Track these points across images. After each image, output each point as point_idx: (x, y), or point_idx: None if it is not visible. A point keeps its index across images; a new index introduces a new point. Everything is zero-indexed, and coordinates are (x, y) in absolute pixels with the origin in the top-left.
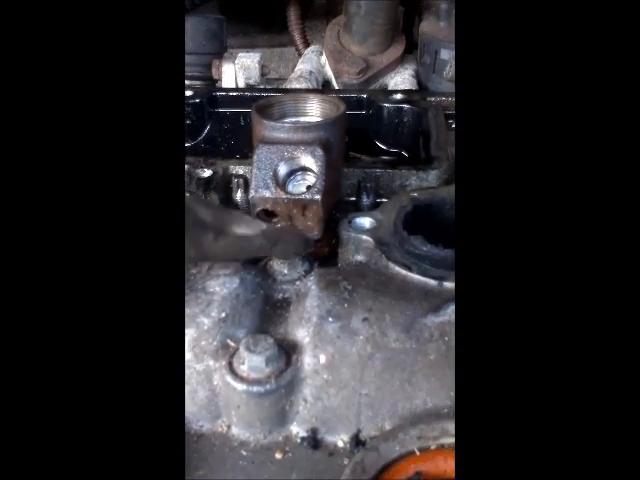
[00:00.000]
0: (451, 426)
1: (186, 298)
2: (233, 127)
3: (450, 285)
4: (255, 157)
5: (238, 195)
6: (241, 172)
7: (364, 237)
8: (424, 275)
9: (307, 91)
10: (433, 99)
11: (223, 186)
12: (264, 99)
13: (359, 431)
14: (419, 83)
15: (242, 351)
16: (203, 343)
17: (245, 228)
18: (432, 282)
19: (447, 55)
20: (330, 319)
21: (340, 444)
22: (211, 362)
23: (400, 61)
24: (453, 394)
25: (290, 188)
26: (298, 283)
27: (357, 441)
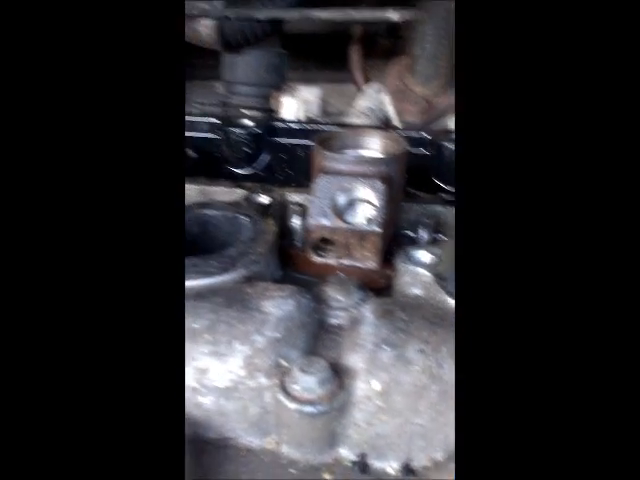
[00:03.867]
0: None
1: (241, 316)
2: (290, 157)
3: None
4: (315, 186)
5: (294, 221)
6: (298, 200)
7: (422, 271)
8: None
9: (368, 127)
10: None
11: (279, 212)
12: (326, 132)
13: (410, 460)
14: None
15: (296, 371)
16: (257, 361)
17: None
18: None
19: None
20: (385, 347)
21: (389, 470)
22: (264, 380)
23: None
24: None
25: (348, 218)
26: (353, 310)
27: (408, 470)
